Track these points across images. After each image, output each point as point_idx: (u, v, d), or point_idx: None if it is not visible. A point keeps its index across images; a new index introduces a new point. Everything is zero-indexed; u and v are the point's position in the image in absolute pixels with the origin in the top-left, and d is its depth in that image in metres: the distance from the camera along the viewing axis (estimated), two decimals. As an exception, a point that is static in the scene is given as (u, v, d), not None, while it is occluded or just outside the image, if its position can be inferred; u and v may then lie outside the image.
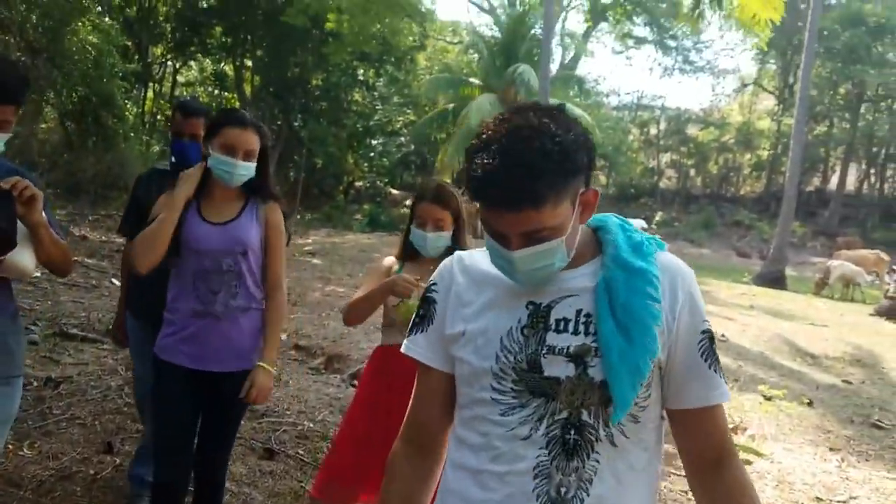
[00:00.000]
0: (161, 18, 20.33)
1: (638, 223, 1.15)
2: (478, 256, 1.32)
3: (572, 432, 1.15)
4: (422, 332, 1.31)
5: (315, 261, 11.81)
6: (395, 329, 2.51)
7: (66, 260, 2.10)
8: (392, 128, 23.75)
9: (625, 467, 1.18)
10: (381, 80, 23.26)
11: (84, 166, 13.11)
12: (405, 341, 1.34)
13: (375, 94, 23.67)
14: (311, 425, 4.15)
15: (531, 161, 1.08)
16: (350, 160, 24.05)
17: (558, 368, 1.16)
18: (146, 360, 2.57)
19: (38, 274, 5.96)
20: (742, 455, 3.63)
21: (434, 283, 1.33)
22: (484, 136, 1.13)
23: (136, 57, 19.39)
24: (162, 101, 21.73)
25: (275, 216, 2.48)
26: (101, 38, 12.86)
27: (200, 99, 23.97)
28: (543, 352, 1.16)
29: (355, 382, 5.44)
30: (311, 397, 4.65)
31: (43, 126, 14.39)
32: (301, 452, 3.78)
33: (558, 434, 1.15)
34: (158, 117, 20.89)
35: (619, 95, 49.25)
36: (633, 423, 1.17)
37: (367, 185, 25.71)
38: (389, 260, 2.63)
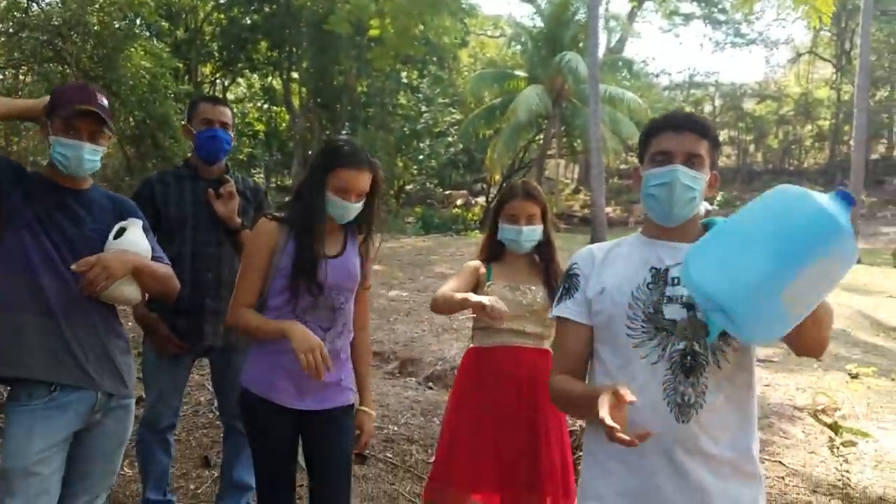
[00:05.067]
0: (208, 38, 20.84)
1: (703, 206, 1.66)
2: (606, 245, 1.74)
3: (688, 358, 1.53)
4: (570, 298, 1.69)
5: (376, 267, 11.86)
6: (488, 332, 2.52)
7: (167, 289, 2.18)
8: (439, 129, 23.73)
9: (728, 384, 1.55)
10: (425, 81, 23.31)
11: (145, 187, 13.54)
12: (554, 307, 1.71)
13: (420, 96, 23.72)
14: (396, 428, 4.20)
15: (697, 117, 1.66)
16: (399, 164, 24.20)
17: (676, 312, 1.56)
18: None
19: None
20: (846, 436, 3.50)
21: (575, 263, 1.72)
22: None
23: (187, 77, 19.91)
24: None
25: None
26: (153, 63, 13.08)
27: (250, 114, 24.57)
28: (664, 301, 1.57)
29: (431, 385, 5.47)
30: (391, 401, 4.70)
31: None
32: (389, 456, 3.83)
33: (678, 359, 1.53)
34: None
35: (669, 75, 47.68)
36: (732, 352, 1.55)
37: (417, 187, 25.82)
38: (475, 263, 2.62)
